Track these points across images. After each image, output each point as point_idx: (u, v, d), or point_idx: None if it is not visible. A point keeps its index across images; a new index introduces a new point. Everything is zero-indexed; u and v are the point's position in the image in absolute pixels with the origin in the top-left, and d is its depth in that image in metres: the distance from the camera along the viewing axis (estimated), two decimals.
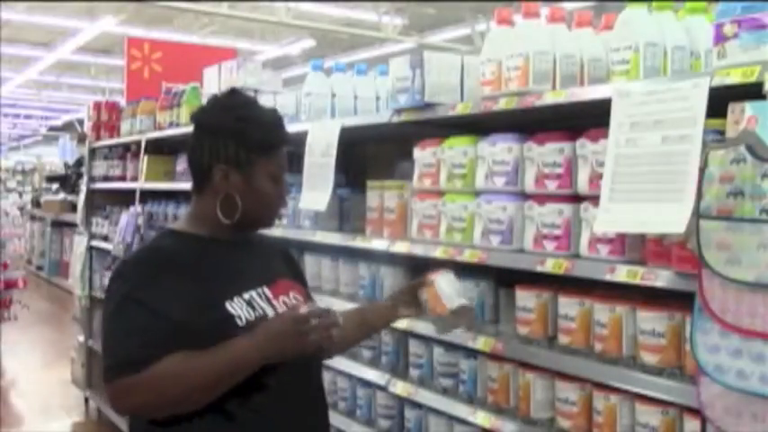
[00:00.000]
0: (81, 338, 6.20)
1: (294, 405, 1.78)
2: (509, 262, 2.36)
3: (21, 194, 20.29)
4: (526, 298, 2.37)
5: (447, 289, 2.06)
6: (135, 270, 1.76)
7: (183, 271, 1.74)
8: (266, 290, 1.83)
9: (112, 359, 1.68)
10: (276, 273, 1.92)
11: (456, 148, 2.56)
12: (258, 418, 1.72)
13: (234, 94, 1.90)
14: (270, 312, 1.78)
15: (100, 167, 5.98)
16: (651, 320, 2.01)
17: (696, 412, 1.81)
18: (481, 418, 2.46)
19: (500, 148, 2.40)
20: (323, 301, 2.75)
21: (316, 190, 3.04)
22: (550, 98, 2.19)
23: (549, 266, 2.19)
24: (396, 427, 2.94)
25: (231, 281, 1.78)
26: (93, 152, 6.11)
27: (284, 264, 2.03)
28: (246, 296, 1.77)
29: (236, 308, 1.73)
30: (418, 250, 2.69)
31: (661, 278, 1.89)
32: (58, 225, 13.06)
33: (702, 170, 1.69)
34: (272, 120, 1.87)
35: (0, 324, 7.37)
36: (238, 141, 1.79)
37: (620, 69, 2.10)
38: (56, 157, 22.44)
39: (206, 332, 1.68)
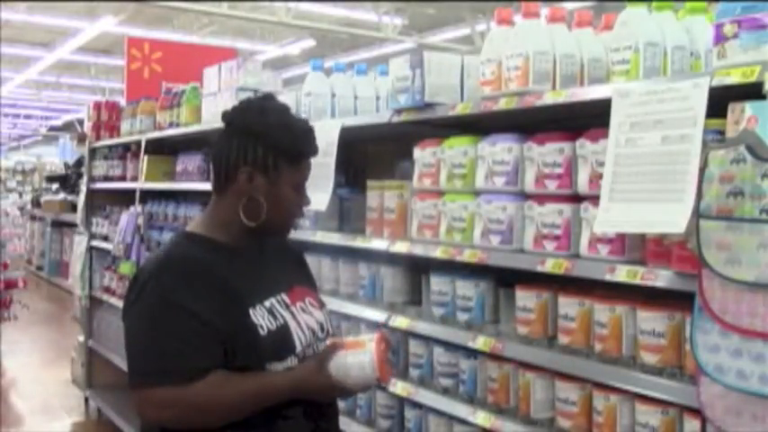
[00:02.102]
0: (81, 338, 6.20)
1: (307, 412, 1.79)
2: (509, 262, 2.36)
3: (21, 194, 20.32)
4: (526, 298, 2.37)
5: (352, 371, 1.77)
6: (166, 274, 1.72)
7: (210, 277, 1.72)
8: (284, 296, 1.82)
9: (155, 365, 1.66)
10: (292, 279, 1.92)
11: (456, 148, 2.56)
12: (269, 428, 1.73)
13: (269, 99, 1.89)
14: (290, 319, 1.78)
15: (100, 167, 5.98)
16: (651, 320, 2.01)
17: (696, 412, 1.81)
18: (481, 418, 2.46)
19: (500, 148, 2.40)
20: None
21: (316, 190, 3.02)
22: (550, 98, 2.19)
23: (549, 266, 2.19)
24: (396, 427, 2.94)
25: (253, 288, 1.77)
26: (93, 152, 6.11)
27: (298, 269, 2.03)
28: (267, 304, 1.77)
29: (259, 317, 1.73)
30: (418, 250, 2.69)
31: (661, 278, 1.89)
32: (58, 225, 13.05)
33: (702, 170, 1.70)
34: (304, 129, 1.85)
35: (0, 324, 7.36)
36: (269, 145, 1.77)
37: (619, 69, 2.10)
38: (56, 157, 22.47)
39: (231, 340, 1.68)
